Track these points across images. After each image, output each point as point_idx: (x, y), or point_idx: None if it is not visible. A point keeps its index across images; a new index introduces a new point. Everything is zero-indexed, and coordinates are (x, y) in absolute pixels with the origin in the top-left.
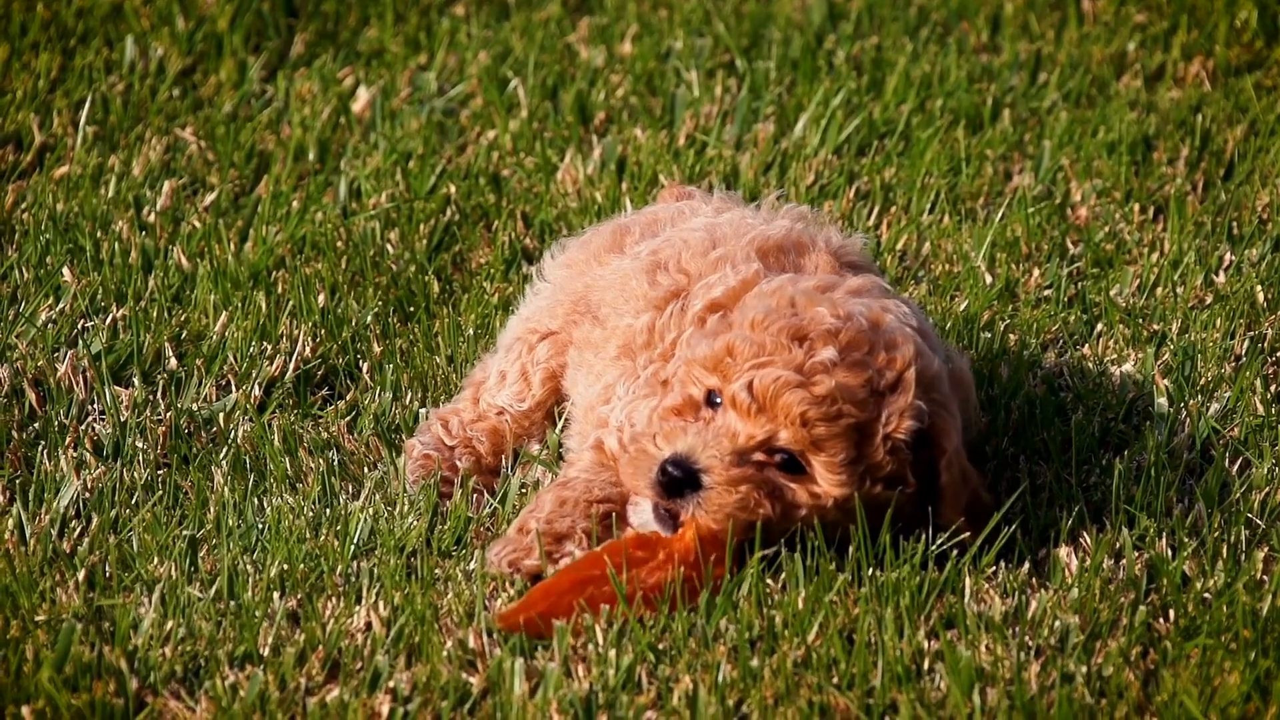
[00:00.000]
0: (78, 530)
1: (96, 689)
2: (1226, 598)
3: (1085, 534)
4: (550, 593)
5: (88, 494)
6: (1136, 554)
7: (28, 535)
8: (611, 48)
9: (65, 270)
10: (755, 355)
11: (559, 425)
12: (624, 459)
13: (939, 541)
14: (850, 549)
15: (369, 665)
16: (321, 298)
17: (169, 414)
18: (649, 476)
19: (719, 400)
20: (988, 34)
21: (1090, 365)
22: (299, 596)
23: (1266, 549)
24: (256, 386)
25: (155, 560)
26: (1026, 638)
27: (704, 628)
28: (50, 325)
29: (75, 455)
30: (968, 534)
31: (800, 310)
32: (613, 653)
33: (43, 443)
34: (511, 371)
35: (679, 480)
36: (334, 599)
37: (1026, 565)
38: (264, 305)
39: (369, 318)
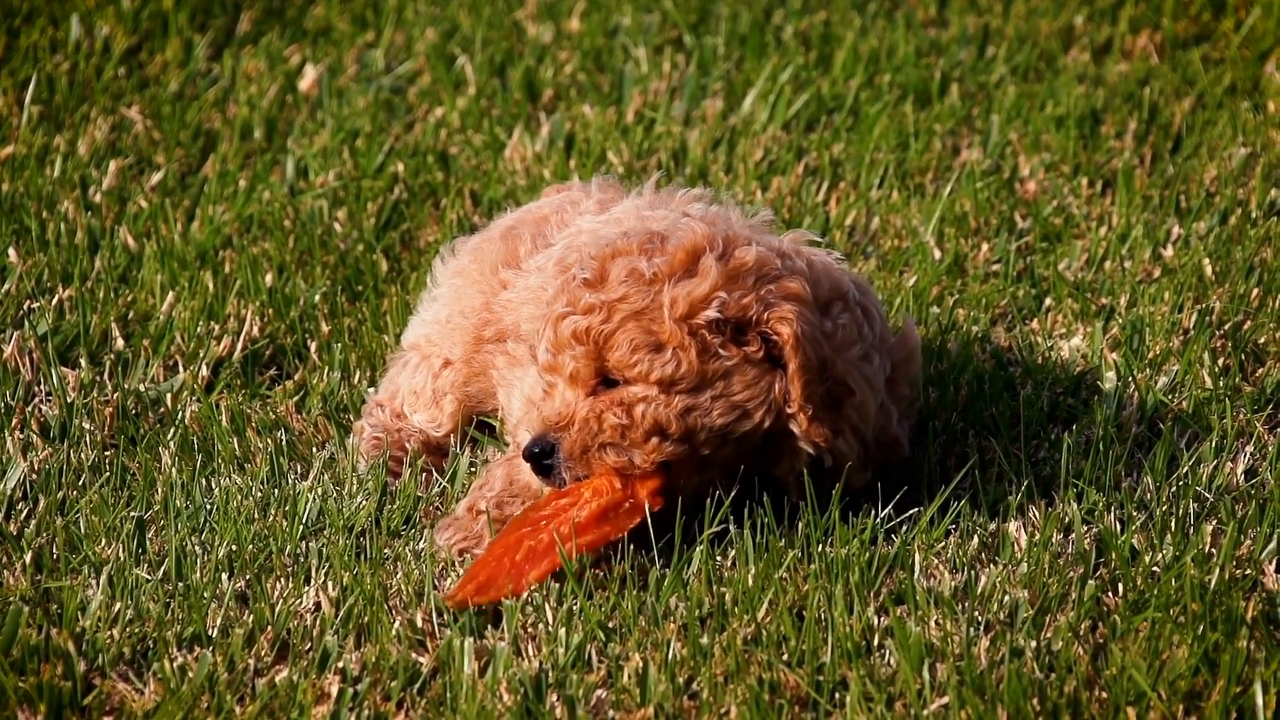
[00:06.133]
0: (24, 512)
1: (44, 671)
2: (1175, 571)
3: (1034, 509)
4: (488, 562)
5: (34, 475)
6: (1085, 528)
7: None
8: (559, 24)
9: (10, 251)
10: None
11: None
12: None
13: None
14: (800, 525)
15: (318, 646)
16: (269, 277)
17: (116, 395)
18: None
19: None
20: (935, 8)
21: (1039, 340)
22: (247, 577)
23: (1214, 522)
24: (204, 367)
25: (103, 542)
26: (976, 613)
27: (654, 605)
28: None
29: (21, 437)
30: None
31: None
32: (562, 631)
33: None
34: (424, 394)
35: (540, 455)
36: (283, 579)
37: (976, 540)
38: (211, 285)
39: (317, 297)
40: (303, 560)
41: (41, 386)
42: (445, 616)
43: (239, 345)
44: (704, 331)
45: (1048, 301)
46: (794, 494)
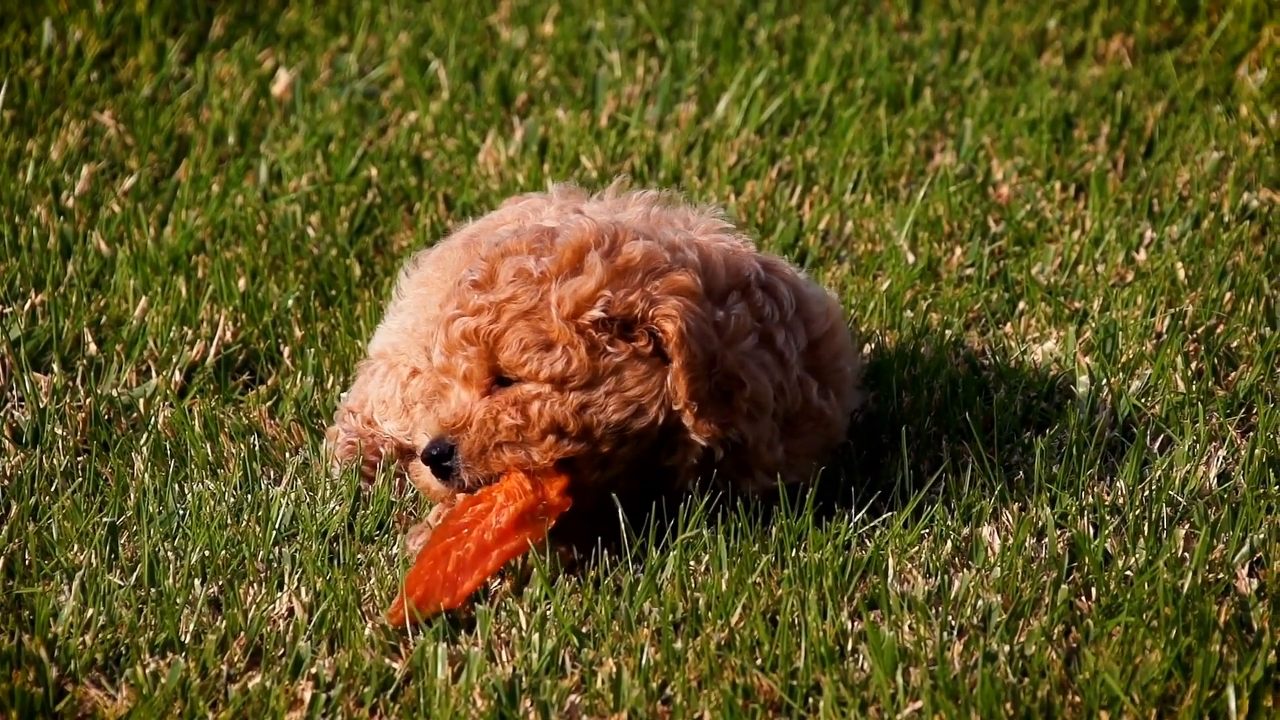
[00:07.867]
0: None
1: (16, 678)
2: (1148, 575)
3: (1007, 513)
4: (420, 575)
5: (6, 481)
6: (1058, 532)
7: None
8: (533, 28)
9: None
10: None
11: None
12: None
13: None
14: (773, 530)
15: (291, 651)
16: (242, 282)
17: (89, 400)
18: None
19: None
20: (909, 12)
21: (1012, 344)
22: (220, 583)
23: (1187, 526)
24: (177, 372)
25: (75, 548)
26: (949, 617)
27: (627, 610)
28: None
29: None
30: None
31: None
32: (536, 636)
33: None
34: (393, 404)
35: (438, 457)
36: (255, 585)
37: (949, 544)
38: (184, 290)
39: (290, 302)
40: (276, 566)
41: (13, 392)
42: (419, 620)
43: (212, 350)
44: (591, 330)
45: (1021, 305)
46: (688, 483)
